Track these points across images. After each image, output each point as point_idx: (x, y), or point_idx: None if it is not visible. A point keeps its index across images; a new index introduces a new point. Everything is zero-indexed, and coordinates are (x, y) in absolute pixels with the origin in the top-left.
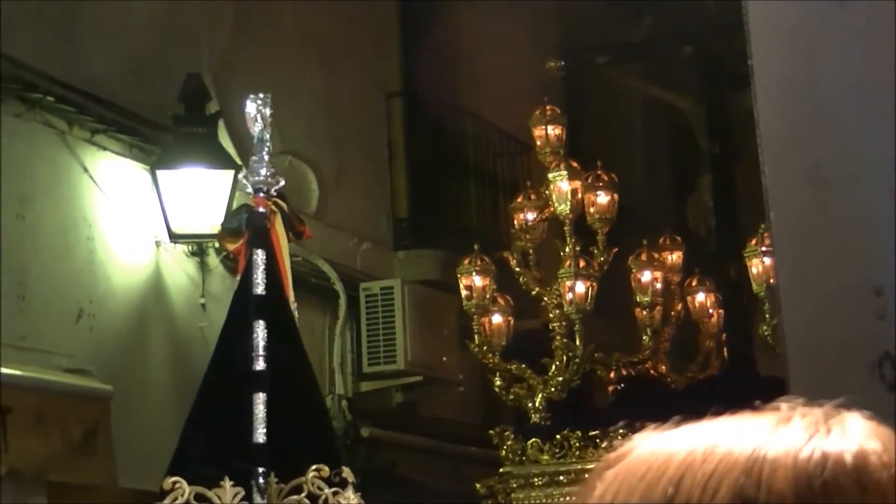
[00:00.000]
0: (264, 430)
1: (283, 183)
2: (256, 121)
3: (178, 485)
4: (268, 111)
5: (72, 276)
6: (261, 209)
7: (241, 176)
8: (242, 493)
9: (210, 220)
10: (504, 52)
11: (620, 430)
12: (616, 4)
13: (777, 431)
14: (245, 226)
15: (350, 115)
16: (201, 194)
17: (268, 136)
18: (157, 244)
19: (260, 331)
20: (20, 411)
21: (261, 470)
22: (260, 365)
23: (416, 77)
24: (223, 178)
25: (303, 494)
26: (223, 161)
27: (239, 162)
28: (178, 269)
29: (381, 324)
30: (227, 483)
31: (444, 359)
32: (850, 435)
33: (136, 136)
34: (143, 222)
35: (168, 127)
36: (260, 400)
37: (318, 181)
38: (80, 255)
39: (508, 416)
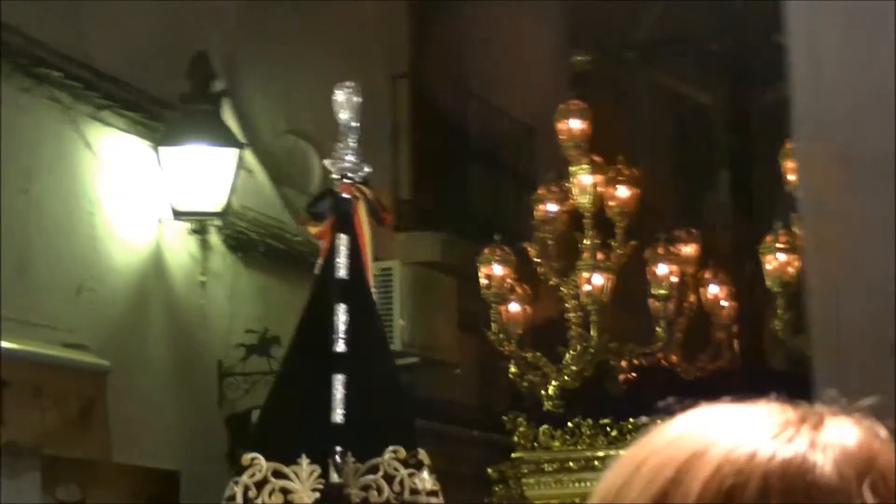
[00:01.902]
0: (343, 411)
1: (367, 170)
2: (344, 108)
3: (256, 461)
4: (356, 99)
5: (73, 251)
6: (345, 195)
7: (326, 162)
8: (319, 471)
9: (213, 197)
10: (512, 35)
11: (641, 421)
12: None
13: (779, 436)
14: (330, 211)
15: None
16: (204, 172)
17: (356, 124)
18: (160, 221)
19: (341, 313)
20: (18, 385)
21: (338, 449)
22: (340, 347)
23: (423, 59)
24: (227, 156)
25: (379, 474)
26: (227, 139)
27: (243, 140)
28: (180, 246)
29: (378, 305)
30: (305, 461)
31: (441, 341)
32: (835, 441)
33: (140, 112)
34: (145, 199)
35: (173, 104)
36: (339, 381)
37: (320, 161)
38: (82, 230)
39: (505, 399)
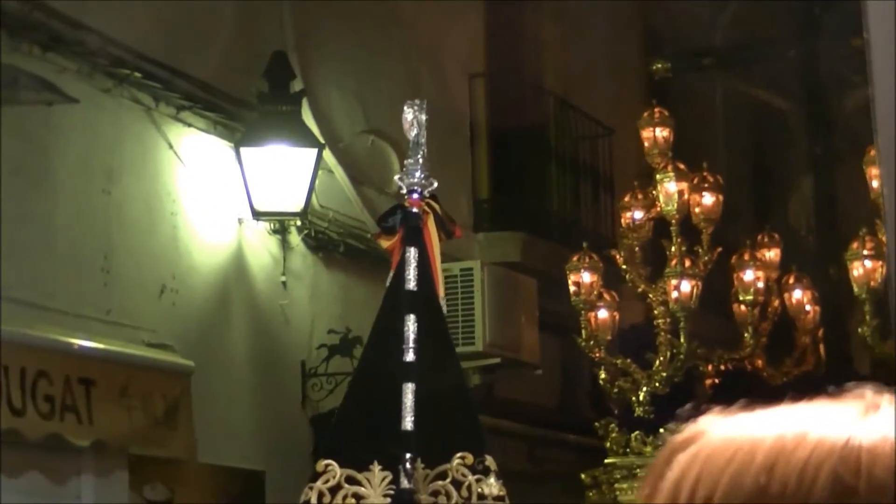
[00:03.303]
0: (412, 418)
1: (436, 185)
2: (413, 126)
3: (330, 467)
4: (424, 117)
5: (156, 251)
6: (415, 210)
7: (395, 178)
8: (390, 477)
9: (293, 197)
10: (588, 34)
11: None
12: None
13: (868, 418)
14: (399, 225)
15: (432, 96)
16: (284, 172)
17: (423, 140)
18: (240, 221)
19: (411, 324)
20: (104, 384)
21: (408, 456)
22: (410, 356)
23: (500, 58)
24: (306, 157)
25: (447, 480)
26: (307, 139)
27: (322, 141)
28: (260, 246)
29: (460, 305)
30: (377, 467)
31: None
32: None
33: (221, 113)
34: (226, 199)
35: (252, 104)
36: (409, 389)
37: (399, 160)
38: (164, 230)
39: (587, 401)
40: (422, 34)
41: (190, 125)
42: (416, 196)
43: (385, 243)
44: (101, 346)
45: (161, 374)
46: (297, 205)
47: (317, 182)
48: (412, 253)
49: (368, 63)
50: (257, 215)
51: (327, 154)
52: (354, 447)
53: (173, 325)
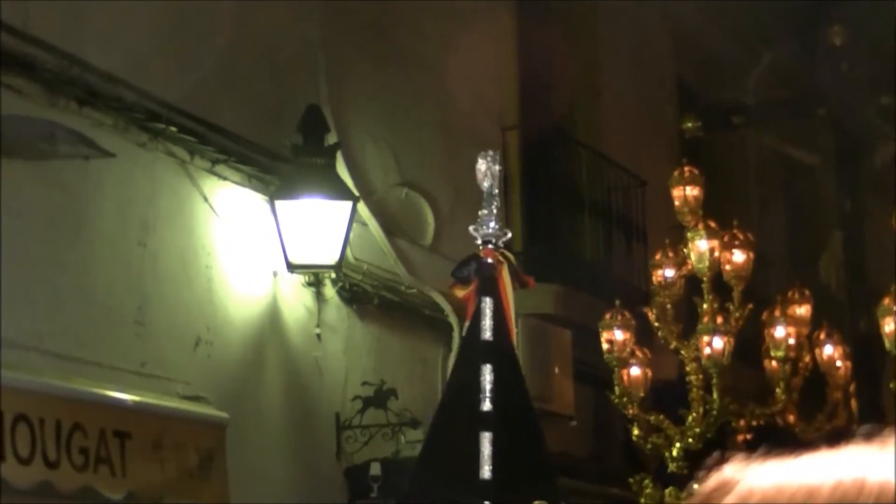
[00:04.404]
0: (490, 467)
1: (509, 235)
2: (486, 176)
3: None
4: (497, 168)
5: (190, 303)
6: (489, 260)
7: (470, 228)
8: None
9: (327, 250)
10: (618, 84)
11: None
12: (739, 50)
13: None
14: (474, 275)
15: (466, 147)
16: (319, 225)
17: (496, 191)
18: (275, 274)
19: (487, 374)
20: (139, 436)
21: None
22: (487, 406)
23: (533, 109)
24: (341, 209)
25: None
26: (341, 192)
27: (356, 193)
28: (295, 298)
29: None
30: None
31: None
32: None
33: (255, 166)
34: (260, 252)
35: (287, 157)
36: (487, 439)
37: (433, 213)
38: (199, 283)
39: (620, 452)
40: (455, 85)
41: (225, 178)
42: (490, 246)
43: (459, 293)
44: (135, 398)
45: (195, 426)
46: (331, 257)
47: (351, 234)
48: (488, 303)
49: (402, 115)
50: (292, 268)
51: (361, 206)
52: (433, 496)
53: (208, 377)
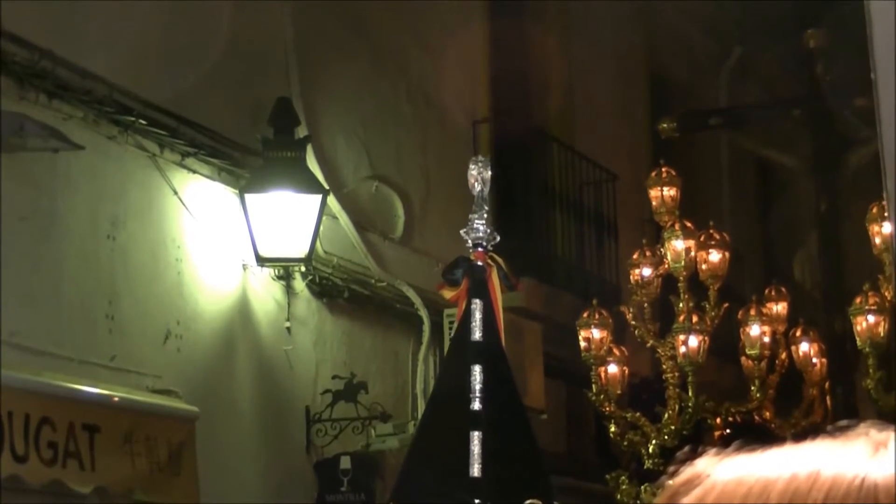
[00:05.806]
0: (480, 465)
1: (498, 239)
2: (477, 181)
3: None
4: (488, 173)
5: (160, 297)
6: (479, 262)
7: (461, 231)
8: None
9: (297, 244)
10: (590, 79)
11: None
12: (714, 48)
13: (878, 457)
14: (464, 277)
15: (437, 142)
16: (289, 218)
17: (486, 195)
18: (245, 267)
19: (477, 374)
20: (108, 430)
21: (476, 501)
22: (476, 405)
23: (504, 103)
24: (311, 203)
25: None
26: (311, 185)
27: (327, 186)
28: (265, 292)
29: None
30: None
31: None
32: None
33: (225, 159)
34: (230, 245)
35: (257, 151)
36: (476, 437)
37: (404, 206)
38: (169, 277)
39: (592, 447)
40: (426, 80)
41: (195, 172)
42: (480, 249)
43: (448, 294)
44: (105, 392)
45: (165, 420)
46: (301, 251)
47: (321, 228)
48: (478, 305)
49: (373, 109)
50: (262, 261)
51: (332, 200)
52: (423, 493)
53: (178, 371)
